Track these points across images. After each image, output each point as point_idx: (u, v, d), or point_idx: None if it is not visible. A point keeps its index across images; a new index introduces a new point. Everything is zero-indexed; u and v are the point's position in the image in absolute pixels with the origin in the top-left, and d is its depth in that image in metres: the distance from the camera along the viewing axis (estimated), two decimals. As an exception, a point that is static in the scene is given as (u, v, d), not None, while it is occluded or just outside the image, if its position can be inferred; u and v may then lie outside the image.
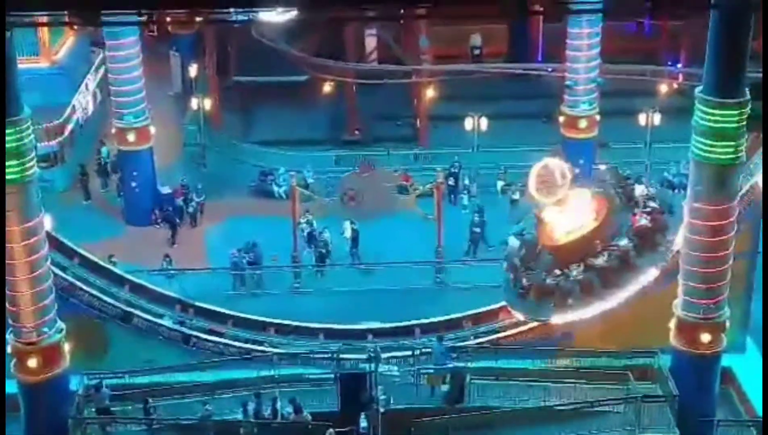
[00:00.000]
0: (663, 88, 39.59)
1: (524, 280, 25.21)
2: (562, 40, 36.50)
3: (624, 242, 25.25)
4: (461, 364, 27.64)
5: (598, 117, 36.86)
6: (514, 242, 26.60)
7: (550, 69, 39.58)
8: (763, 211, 24.48)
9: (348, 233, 34.05)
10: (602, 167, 36.61)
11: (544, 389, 27.30)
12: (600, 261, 24.87)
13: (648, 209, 26.11)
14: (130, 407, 26.89)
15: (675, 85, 39.46)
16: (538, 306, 25.04)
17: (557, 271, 24.73)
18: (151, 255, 33.32)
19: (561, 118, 37.20)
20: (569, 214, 25.92)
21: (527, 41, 45.01)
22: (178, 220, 36.01)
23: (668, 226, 25.48)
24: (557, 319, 25.19)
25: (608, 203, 26.45)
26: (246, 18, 22.79)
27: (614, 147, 38.78)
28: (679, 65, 41.92)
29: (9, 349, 25.56)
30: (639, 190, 26.49)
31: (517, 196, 36.55)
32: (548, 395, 27.24)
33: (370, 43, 44.34)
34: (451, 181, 37.48)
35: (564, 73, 36.86)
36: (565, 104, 36.97)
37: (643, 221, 25.45)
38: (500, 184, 38.30)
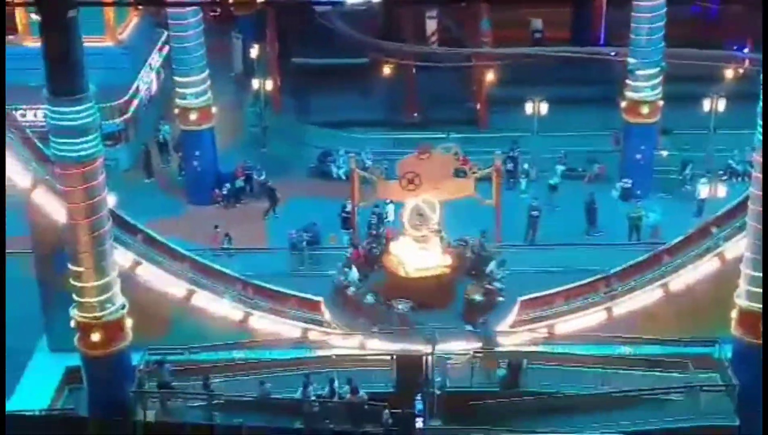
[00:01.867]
0: (728, 73, 38.91)
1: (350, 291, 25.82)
2: (626, 24, 36.04)
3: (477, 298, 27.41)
4: (517, 349, 27.54)
5: (661, 102, 36.38)
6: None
7: (612, 53, 39.16)
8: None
9: (391, 217, 34.05)
10: (664, 153, 36.58)
11: (601, 376, 27.13)
12: (401, 306, 27.18)
13: (488, 287, 26.96)
14: (190, 383, 27.23)
15: (740, 70, 38.75)
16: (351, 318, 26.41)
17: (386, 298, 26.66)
18: (211, 234, 33.66)
19: (623, 103, 36.78)
20: (423, 253, 26.76)
21: (590, 25, 44.55)
22: (238, 199, 36.39)
23: (497, 307, 27.27)
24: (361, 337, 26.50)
25: (458, 261, 26.75)
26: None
27: (677, 133, 38.31)
28: (745, 50, 41.15)
29: (73, 324, 26.05)
30: (491, 266, 27.14)
31: (555, 181, 36.42)
32: (606, 382, 27.05)
33: (431, 25, 44.22)
34: (509, 165, 37.31)
35: (627, 57, 36.41)
36: (627, 89, 36.54)
37: (478, 297, 26.15)
38: (559, 168, 38.04)
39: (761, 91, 23.47)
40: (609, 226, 34.29)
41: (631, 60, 36.11)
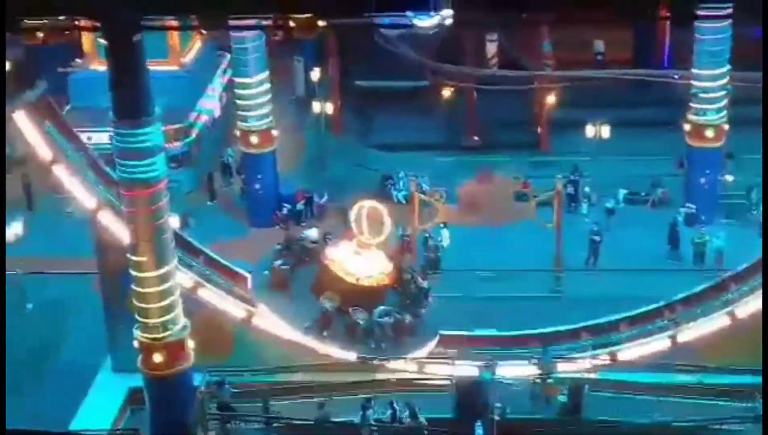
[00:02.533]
0: (796, 96, 38.15)
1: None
2: (690, 45, 35.63)
3: (385, 320, 27.17)
4: (579, 376, 27.22)
5: (726, 126, 35.83)
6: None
7: (676, 75, 38.68)
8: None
9: (446, 241, 33.92)
10: (729, 178, 36.03)
11: (665, 404, 26.65)
12: (385, 319, 26.88)
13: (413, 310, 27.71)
14: (249, 405, 27.34)
15: (808, 94, 37.98)
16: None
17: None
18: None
19: (686, 127, 36.31)
20: (362, 261, 26.50)
21: (653, 46, 44.14)
22: (298, 222, 36.61)
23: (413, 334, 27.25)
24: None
25: (396, 275, 27.50)
26: (397, 23, 22.93)
27: (742, 157, 37.67)
28: (814, 72, 40.31)
29: (136, 344, 26.33)
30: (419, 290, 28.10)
31: (612, 205, 36.03)
32: (669, 411, 26.56)
33: (491, 48, 44.17)
34: (570, 189, 37.03)
35: (690, 79, 35.97)
36: (691, 112, 36.07)
37: (408, 319, 26.14)
38: (622, 192, 37.65)
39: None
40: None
41: (695, 82, 35.67)
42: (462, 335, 28.87)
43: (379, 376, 28.13)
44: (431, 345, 28.07)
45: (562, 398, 26.72)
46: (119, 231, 27.44)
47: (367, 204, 27.76)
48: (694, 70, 35.64)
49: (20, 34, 45.17)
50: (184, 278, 27.89)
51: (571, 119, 39.37)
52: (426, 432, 26.02)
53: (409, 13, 21.63)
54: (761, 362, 26.18)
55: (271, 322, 28.58)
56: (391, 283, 27.99)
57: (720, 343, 27.89)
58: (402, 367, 28.32)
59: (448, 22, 21.71)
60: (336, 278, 27.57)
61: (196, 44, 42.01)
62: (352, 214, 27.69)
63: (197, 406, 26.56)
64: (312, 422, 26.60)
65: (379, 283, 27.65)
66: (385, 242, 27.91)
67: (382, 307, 27.44)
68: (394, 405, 26.46)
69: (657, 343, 28.30)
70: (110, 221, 28.05)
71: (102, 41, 26.18)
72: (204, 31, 39.88)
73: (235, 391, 27.41)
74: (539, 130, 41.48)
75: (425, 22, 27.26)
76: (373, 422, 26.42)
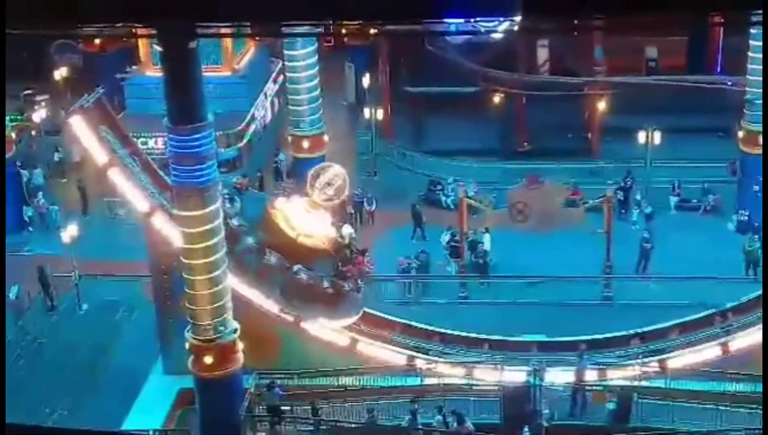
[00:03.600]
0: None
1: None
2: (743, 52, 35.28)
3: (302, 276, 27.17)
4: (628, 383, 27.07)
5: (780, 133, 35.38)
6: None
7: (729, 82, 38.33)
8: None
9: (488, 245, 33.94)
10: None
11: (715, 413, 26.42)
12: (301, 276, 26.90)
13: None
14: (298, 407, 27.59)
15: None
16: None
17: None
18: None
19: (740, 133, 35.93)
20: (308, 219, 26.05)
21: (706, 53, 43.74)
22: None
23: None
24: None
25: (330, 245, 27.77)
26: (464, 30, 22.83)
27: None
28: None
29: (187, 346, 26.71)
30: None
31: (650, 210, 35.73)
32: (720, 420, 26.34)
33: (542, 54, 44.07)
34: (620, 196, 36.83)
35: (744, 86, 35.59)
36: (744, 119, 35.68)
37: (611, 406, 25.54)
38: (673, 199, 37.37)
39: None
40: (725, 259, 33.40)
41: (748, 89, 35.29)
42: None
43: (428, 380, 28.21)
44: (351, 320, 28.29)
45: (611, 405, 26.59)
46: (171, 234, 27.87)
47: (336, 169, 27.90)
48: (748, 77, 35.27)
49: (79, 41, 46.40)
50: (235, 281, 28.21)
51: (622, 126, 39.15)
52: (472, 437, 26.05)
53: (476, 20, 21.63)
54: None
55: (320, 327, 28.85)
56: (329, 249, 27.98)
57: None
58: (449, 372, 28.38)
59: (516, 28, 21.59)
60: (276, 228, 27.61)
61: (250, 50, 42.50)
62: (315, 173, 27.83)
63: (246, 407, 26.87)
64: (360, 425, 26.77)
65: (316, 246, 27.69)
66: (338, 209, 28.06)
67: (299, 266, 27.52)
68: (443, 410, 26.54)
69: (708, 351, 28.04)
70: (163, 224, 28.50)
71: (157, 48, 26.55)
72: (257, 38, 40.44)
73: (284, 393, 27.66)
74: (590, 136, 41.28)
75: (494, 29, 27.61)
76: (420, 427, 26.52)
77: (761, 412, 26.12)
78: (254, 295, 28.17)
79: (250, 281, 27.79)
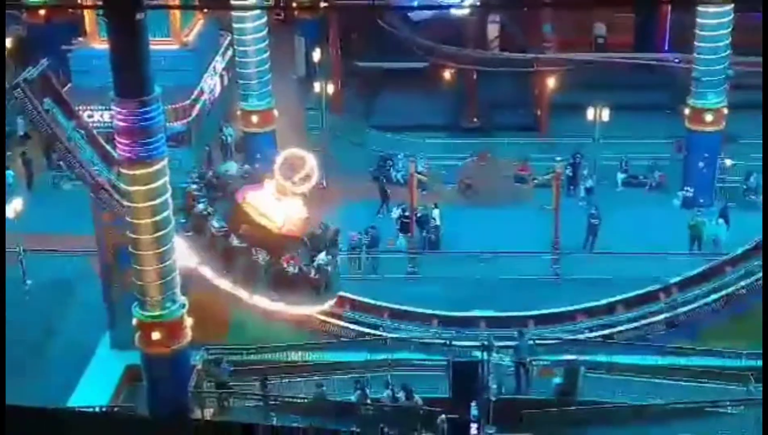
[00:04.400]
0: (796, 81, 38.17)
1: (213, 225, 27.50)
2: (690, 30, 35.63)
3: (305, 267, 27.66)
4: (574, 357, 27.39)
5: (725, 110, 35.87)
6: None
7: (677, 60, 38.73)
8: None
9: (438, 221, 34.10)
10: (728, 162, 36.15)
11: (659, 386, 26.84)
12: (289, 267, 27.45)
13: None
14: (247, 383, 27.53)
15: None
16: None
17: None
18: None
19: (686, 111, 36.36)
20: (279, 206, 26.76)
21: (654, 31, 44.11)
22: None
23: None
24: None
25: (305, 229, 28.18)
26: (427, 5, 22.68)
27: (742, 142, 37.75)
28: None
29: (134, 322, 26.49)
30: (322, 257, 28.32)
31: (590, 184, 36.11)
32: (663, 393, 26.76)
33: (492, 30, 44.14)
34: (569, 172, 37.12)
35: (691, 64, 35.98)
36: (691, 96, 36.10)
37: (313, 274, 27.30)
38: (620, 176, 37.76)
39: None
40: (669, 235, 33.87)
41: (695, 66, 35.69)
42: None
43: (377, 356, 28.30)
44: (329, 303, 28.57)
45: (557, 379, 26.89)
46: (119, 209, 27.55)
47: (298, 152, 27.91)
48: (695, 55, 35.65)
49: (23, 12, 45.52)
50: (183, 256, 27.99)
51: (571, 102, 39.40)
52: (421, 411, 26.18)
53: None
54: (759, 345, 26.47)
55: (271, 301, 28.77)
56: (300, 233, 28.13)
57: (715, 326, 28.05)
58: (399, 347, 28.50)
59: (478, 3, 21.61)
60: (248, 219, 27.71)
61: (198, 23, 41.99)
62: (280, 160, 27.85)
63: (194, 383, 26.75)
64: (309, 400, 26.81)
65: (289, 232, 27.87)
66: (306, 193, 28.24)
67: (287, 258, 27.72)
68: (390, 385, 26.65)
69: (653, 326, 28.42)
70: (110, 199, 28.16)
71: (104, 20, 26.12)
72: (206, 11, 39.99)
73: (233, 369, 27.58)
74: (539, 112, 41.51)
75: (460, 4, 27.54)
76: (369, 401, 26.62)
77: (707, 385, 26.66)
78: (208, 273, 27.99)
79: (234, 277, 27.84)
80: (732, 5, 33.56)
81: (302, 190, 28.00)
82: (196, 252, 27.91)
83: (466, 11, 39.68)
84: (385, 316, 29.89)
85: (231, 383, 27.45)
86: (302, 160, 27.96)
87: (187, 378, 26.73)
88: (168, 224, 25.91)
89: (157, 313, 26.14)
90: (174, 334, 26.38)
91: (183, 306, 26.60)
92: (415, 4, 24.56)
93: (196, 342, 27.13)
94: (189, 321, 26.75)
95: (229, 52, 41.29)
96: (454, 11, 39.45)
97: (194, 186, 28.84)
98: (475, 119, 41.92)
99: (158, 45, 35.05)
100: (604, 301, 29.21)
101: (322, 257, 28.19)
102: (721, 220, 34.00)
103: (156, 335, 26.18)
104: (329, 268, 28.15)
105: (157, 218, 25.53)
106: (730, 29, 34.82)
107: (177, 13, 38.44)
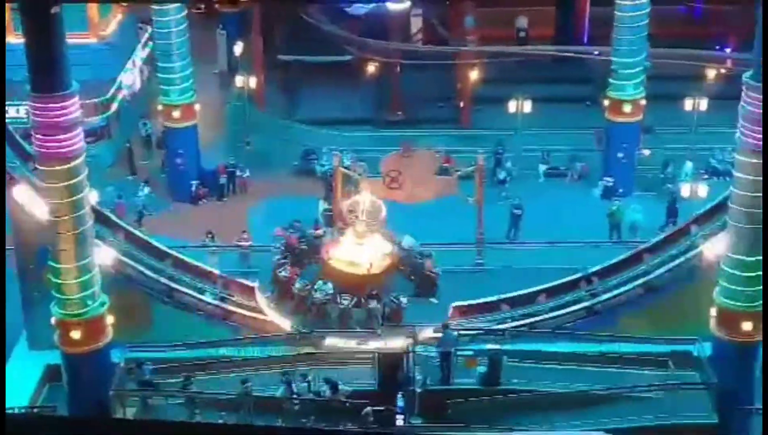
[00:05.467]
0: (711, 73, 39.09)
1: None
2: (609, 23, 36.16)
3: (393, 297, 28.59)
4: (497, 347, 27.66)
5: (643, 101, 36.52)
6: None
7: (596, 52, 39.28)
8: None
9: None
10: (646, 152, 36.81)
11: (581, 373, 27.26)
12: (373, 304, 28.05)
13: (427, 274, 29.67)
14: (171, 381, 27.22)
15: (723, 71, 38.93)
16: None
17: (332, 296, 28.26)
18: (195, 231, 33.73)
19: (605, 102, 36.92)
20: (363, 250, 27.46)
21: (574, 23, 44.68)
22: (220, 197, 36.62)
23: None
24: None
25: (395, 262, 29.19)
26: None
27: (659, 132, 38.48)
28: (728, 50, 41.34)
29: (53, 321, 26.01)
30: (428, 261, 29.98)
31: (504, 176, 36.57)
32: (585, 379, 27.18)
33: (416, 23, 44.24)
34: (492, 163, 37.41)
35: (610, 56, 36.53)
36: (610, 88, 36.67)
37: (481, 369, 26.87)
38: (542, 167, 38.20)
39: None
40: (591, 224, 34.38)
41: (614, 59, 36.25)
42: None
43: (304, 350, 28.23)
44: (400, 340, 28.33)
45: (481, 368, 27.12)
46: (36, 206, 27.01)
47: (362, 198, 29.30)
48: (614, 47, 36.20)
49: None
50: (103, 254, 27.58)
51: (493, 95, 39.72)
52: (347, 404, 26.20)
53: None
54: (676, 331, 27.07)
55: (192, 295, 28.54)
56: (394, 265, 29.12)
57: (634, 313, 28.57)
58: (327, 340, 28.46)
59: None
60: (338, 273, 28.92)
61: (117, 17, 41.33)
62: (346, 207, 28.92)
63: (116, 382, 26.37)
64: (234, 397, 26.61)
65: (386, 268, 29.13)
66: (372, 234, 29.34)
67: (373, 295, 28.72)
68: (308, 378, 26.62)
69: (574, 314, 28.83)
70: (26, 196, 27.58)
71: (18, 13, 25.58)
72: (125, 4, 39.38)
73: (156, 367, 27.24)
74: (462, 105, 41.77)
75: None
76: (295, 396, 26.54)
77: (627, 371, 27.15)
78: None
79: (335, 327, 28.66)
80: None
81: (375, 225, 29.09)
82: (287, 316, 28.69)
83: (406, 5, 39.76)
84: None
85: (154, 381, 27.11)
86: (360, 200, 29.28)
87: (108, 377, 26.34)
88: (87, 221, 25.49)
89: (76, 311, 25.71)
90: (94, 332, 26.00)
91: (103, 304, 26.20)
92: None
93: (118, 340, 26.73)
94: (110, 319, 26.35)
95: (149, 46, 40.72)
96: (392, 6, 39.49)
97: (278, 256, 29.84)
98: (398, 112, 42.00)
99: (76, 39, 34.58)
100: (526, 291, 29.49)
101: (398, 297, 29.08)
102: (637, 207, 34.62)
103: (75, 334, 25.77)
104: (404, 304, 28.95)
105: (75, 215, 25.11)
106: (647, 21, 35.43)
107: (94, 6, 37.80)
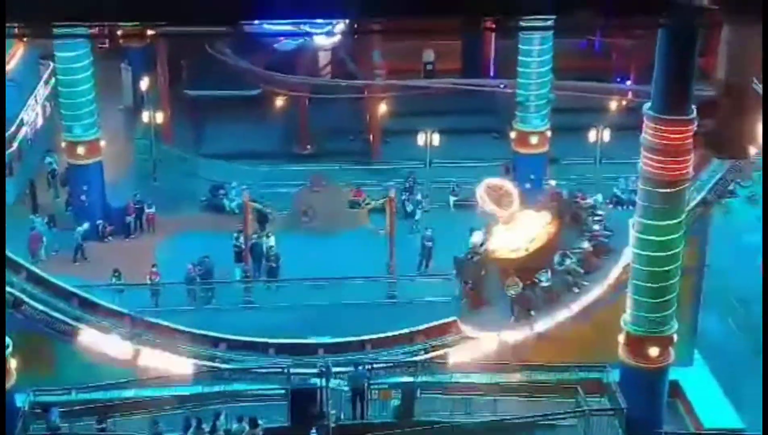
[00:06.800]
0: (613, 104, 40.06)
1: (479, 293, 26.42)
2: (514, 56, 36.82)
3: (568, 262, 26.60)
4: (410, 379, 27.65)
5: (549, 133, 37.21)
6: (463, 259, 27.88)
7: (502, 85, 39.85)
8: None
9: (274, 248, 33.97)
10: (552, 183, 37.45)
11: (493, 403, 27.41)
12: (544, 280, 26.31)
13: (593, 232, 27.57)
14: (79, 425, 26.49)
15: (624, 102, 39.92)
16: (490, 319, 26.04)
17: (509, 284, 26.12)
18: (101, 269, 33.04)
19: (512, 134, 37.49)
20: (516, 232, 27.26)
21: (480, 57, 45.38)
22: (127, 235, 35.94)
23: (610, 250, 26.75)
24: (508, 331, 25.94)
25: (555, 223, 27.68)
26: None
27: (565, 163, 39.20)
28: (629, 82, 42.47)
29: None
30: (585, 211, 27.99)
31: (411, 208, 37.09)
32: (498, 409, 27.34)
33: (324, 57, 44.36)
34: (404, 196, 37.60)
35: (516, 89, 37.16)
36: (516, 120, 37.27)
37: (585, 244, 26.81)
38: (452, 199, 38.52)
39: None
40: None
41: (519, 91, 36.87)
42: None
43: (214, 388, 27.77)
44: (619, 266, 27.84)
45: (395, 401, 27.06)
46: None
47: (485, 185, 28.67)
48: (519, 80, 36.84)
49: None
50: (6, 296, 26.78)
51: (402, 128, 40.02)
52: (261, 442, 25.86)
53: (307, 28, 21.54)
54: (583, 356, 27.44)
55: (99, 338, 27.89)
56: (557, 227, 28.27)
57: (545, 342, 28.86)
58: (236, 378, 28.07)
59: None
60: (502, 263, 27.93)
61: (18, 51, 40.47)
62: (479, 199, 28.63)
63: (21, 427, 25.53)
64: (144, 438, 26.03)
65: (547, 238, 28.12)
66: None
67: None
68: (221, 416, 26.19)
69: (487, 344, 28.99)
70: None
71: None
72: (25, 39, 38.54)
73: (64, 410, 26.47)
74: (371, 138, 41.95)
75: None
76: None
77: (542, 399, 27.38)
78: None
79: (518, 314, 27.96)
80: (552, 32, 34.88)
81: (508, 204, 28.31)
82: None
83: (335, 39, 39.69)
84: (222, 347, 29.34)
85: (62, 425, 26.33)
86: (498, 186, 28.69)
87: (12, 423, 25.46)
88: (-13, 260, 24.72)
89: (-22, 355, 24.83)
90: (-3, 376, 25.09)
91: (6, 347, 25.36)
92: (267, 31, 24.31)
93: (23, 384, 25.92)
94: (13, 362, 25.54)
95: (52, 82, 39.92)
96: (320, 41, 39.43)
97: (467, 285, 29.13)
98: (308, 146, 41.98)
99: (-26, 75, 33.68)
100: (438, 322, 29.57)
101: (543, 276, 28.14)
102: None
103: (-23, 379, 24.85)
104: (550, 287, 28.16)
105: (-24, 255, 24.32)
106: (551, 55, 36.17)
107: (-6, 41, 36.88)
